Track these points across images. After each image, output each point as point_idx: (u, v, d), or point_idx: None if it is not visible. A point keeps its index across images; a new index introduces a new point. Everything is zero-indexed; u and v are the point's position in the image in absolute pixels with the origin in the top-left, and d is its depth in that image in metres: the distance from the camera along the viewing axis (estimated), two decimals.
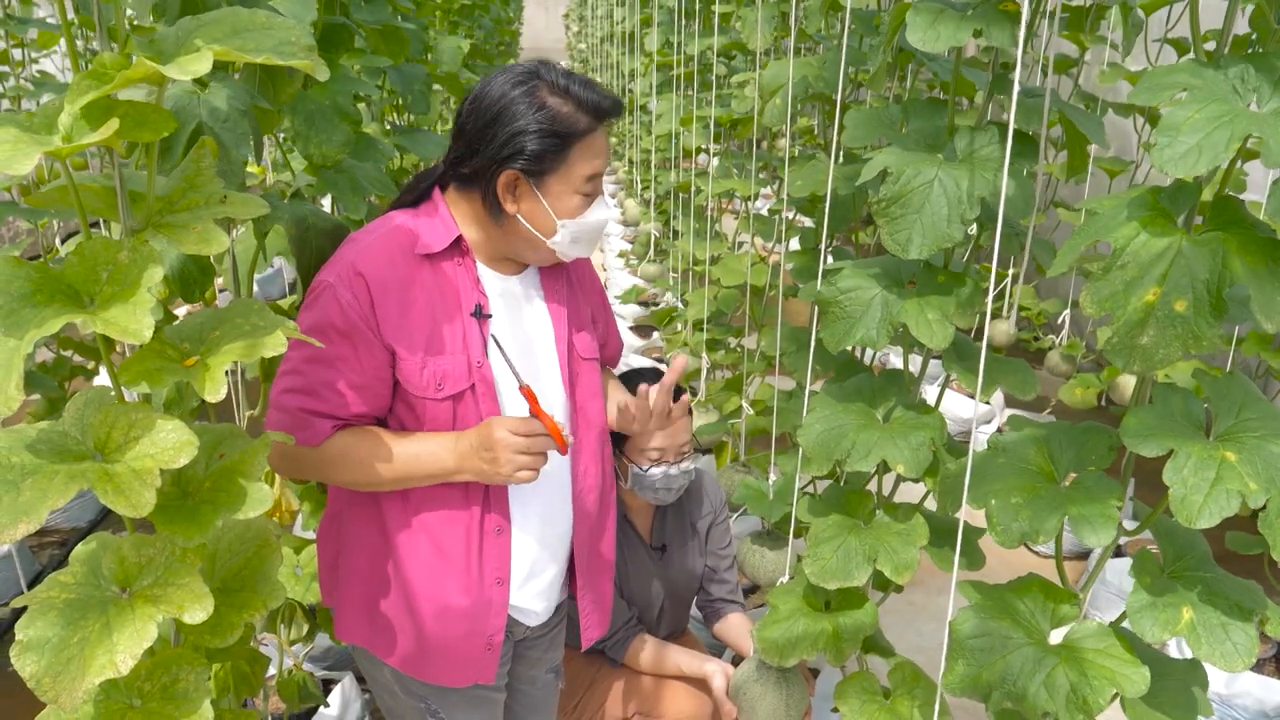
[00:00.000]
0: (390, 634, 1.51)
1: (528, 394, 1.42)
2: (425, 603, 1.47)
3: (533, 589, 1.56)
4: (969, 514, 1.19)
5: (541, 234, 1.42)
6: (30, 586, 2.90)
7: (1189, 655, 1.09)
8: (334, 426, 1.41)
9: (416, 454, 1.41)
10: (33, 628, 0.87)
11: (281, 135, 2.10)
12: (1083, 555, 3.34)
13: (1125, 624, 1.06)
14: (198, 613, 0.89)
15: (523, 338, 1.49)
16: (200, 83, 1.07)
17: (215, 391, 0.90)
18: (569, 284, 1.59)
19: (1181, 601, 1.01)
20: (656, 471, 1.99)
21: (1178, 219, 0.96)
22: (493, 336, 1.45)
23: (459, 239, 1.44)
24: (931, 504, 1.59)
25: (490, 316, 1.45)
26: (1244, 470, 0.93)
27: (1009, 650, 1.09)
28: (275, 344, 0.96)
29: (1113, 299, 0.94)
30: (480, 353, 1.43)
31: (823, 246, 1.75)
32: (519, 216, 1.42)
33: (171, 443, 0.91)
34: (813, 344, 1.52)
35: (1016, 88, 1.06)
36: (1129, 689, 1.02)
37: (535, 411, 1.41)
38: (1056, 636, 1.13)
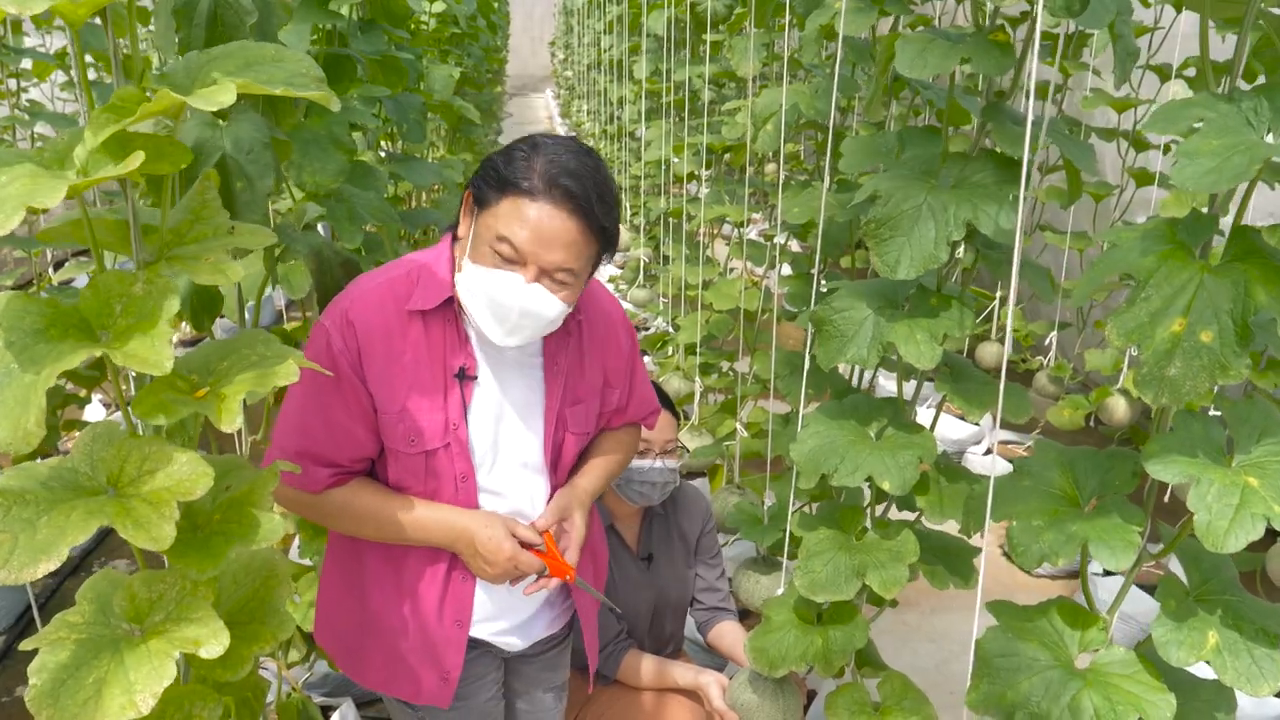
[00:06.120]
0: (356, 649, 1.55)
1: (565, 564, 1.46)
2: (385, 630, 1.50)
3: (502, 625, 1.57)
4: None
5: (457, 263, 1.39)
6: (20, 619, 2.88)
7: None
8: (331, 475, 1.42)
9: (414, 520, 1.43)
10: (46, 670, 0.86)
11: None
12: (1074, 574, 3.35)
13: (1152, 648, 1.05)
14: (214, 647, 0.88)
15: (507, 404, 1.48)
16: (221, 115, 1.09)
17: (232, 422, 0.91)
18: (580, 352, 1.54)
19: (1207, 626, 1.01)
20: (642, 464, 2.01)
21: (1195, 250, 0.97)
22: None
23: (450, 299, 1.41)
24: (925, 523, 1.61)
25: (475, 379, 1.44)
26: (1267, 494, 0.93)
27: (1034, 671, 1.09)
28: (287, 373, 0.97)
29: (1139, 330, 0.95)
30: (459, 414, 1.43)
31: (816, 270, 1.77)
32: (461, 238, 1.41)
33: (187, 474, 0.91)
34: (807, 367, 1.55)
35: (1030, 117, 1.09)
36: (1154, 716, 1.02)
37: (550, 550, 1.46)
38: (1084, 660, 1.13)
